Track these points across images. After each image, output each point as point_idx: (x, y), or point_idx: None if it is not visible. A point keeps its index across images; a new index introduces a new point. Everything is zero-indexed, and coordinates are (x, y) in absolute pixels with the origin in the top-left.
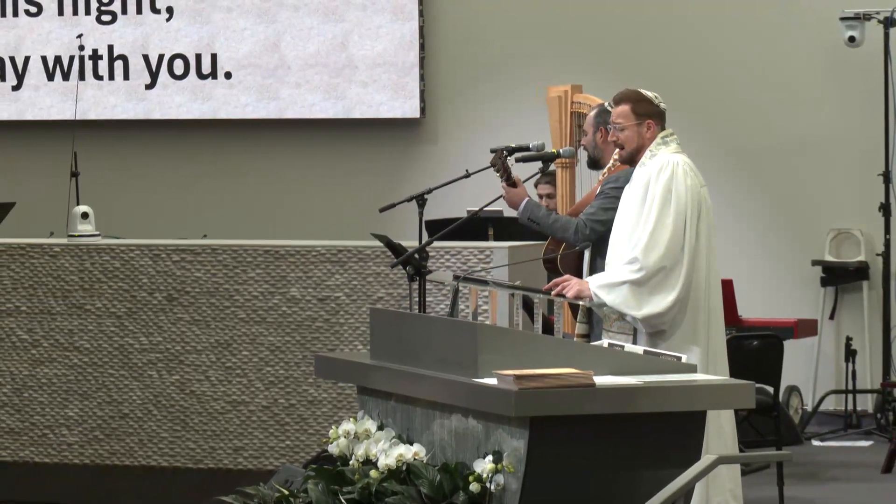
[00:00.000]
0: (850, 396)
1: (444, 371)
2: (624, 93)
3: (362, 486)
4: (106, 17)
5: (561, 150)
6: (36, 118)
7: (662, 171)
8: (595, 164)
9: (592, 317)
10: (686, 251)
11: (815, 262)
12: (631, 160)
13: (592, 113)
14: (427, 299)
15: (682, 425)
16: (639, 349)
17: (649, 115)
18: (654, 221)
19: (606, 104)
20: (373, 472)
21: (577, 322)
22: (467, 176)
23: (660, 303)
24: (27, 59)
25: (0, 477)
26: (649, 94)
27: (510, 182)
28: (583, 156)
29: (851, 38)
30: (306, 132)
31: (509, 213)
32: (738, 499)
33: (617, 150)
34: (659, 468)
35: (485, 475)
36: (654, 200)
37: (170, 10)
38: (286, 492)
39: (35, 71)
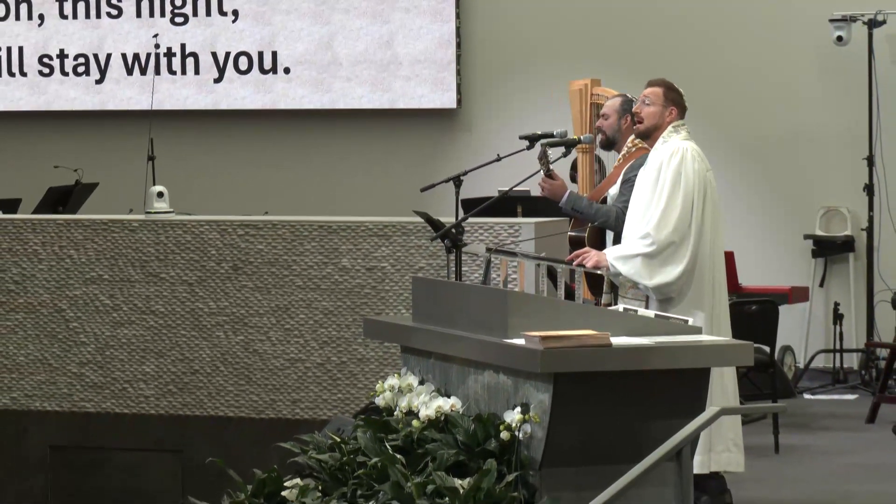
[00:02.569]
0: (838, 355)
1: (477, 332)
2: (661, 79)
3: (405, 434)
4: (179, 18)
5: (582, 137)
6: (117, 108)
7: (673, 156)
8: (609, 145)
9: (615, 288)
10: (693, 228)
11: (806, 236)
12: (646, 136)
13: (618, 101)
14: (462, 269)
15: (689, 381)
16: (650, 313)
17: (675, 103)
18: (666, 201)
19: (629, 95)
20: (415, 422)
21: (604, 293)
22: (498, 160)
23: (669, 273)
24: (109, 56)
25: (85, 426)
26: (680, 90)
27: (549, 175)
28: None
29: (839, 38)
30: (355, 121)
31: (536, 192)
32: (739, 446)
33: (635, 125)
34: (668, 419)
35: (514, 425)
36: (666, 182)
37: (235, 12)
38: (338, 439)
39: (116, 66)
